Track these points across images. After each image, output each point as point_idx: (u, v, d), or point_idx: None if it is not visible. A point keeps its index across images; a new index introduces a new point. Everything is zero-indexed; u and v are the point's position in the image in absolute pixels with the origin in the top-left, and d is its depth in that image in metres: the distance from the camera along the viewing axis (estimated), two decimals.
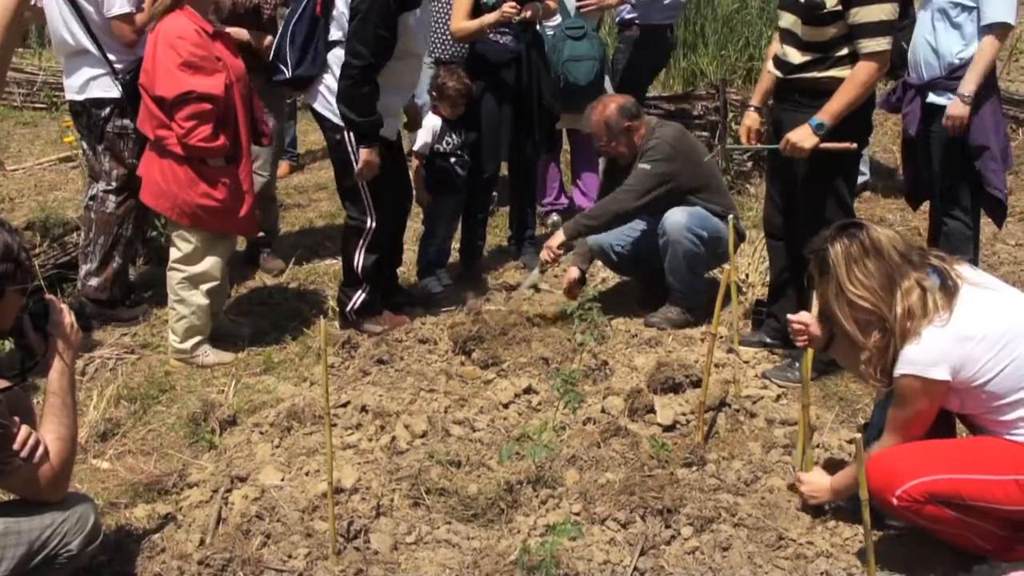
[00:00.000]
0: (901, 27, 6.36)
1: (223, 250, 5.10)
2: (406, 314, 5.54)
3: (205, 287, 5.02)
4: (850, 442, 4.12)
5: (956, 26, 5.13)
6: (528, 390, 4.60)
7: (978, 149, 5.13)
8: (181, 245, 4.99)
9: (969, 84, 5.02)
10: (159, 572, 3.36)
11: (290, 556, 3.41)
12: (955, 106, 5.03)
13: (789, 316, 3.88)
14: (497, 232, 7.03)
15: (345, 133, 4.98)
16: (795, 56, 4.51)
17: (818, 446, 4.10)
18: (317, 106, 5.10)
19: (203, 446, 4.29)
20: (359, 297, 5.31)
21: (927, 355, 3.19)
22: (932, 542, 3.39)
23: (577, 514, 3.64)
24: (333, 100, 4.94)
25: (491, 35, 5.96)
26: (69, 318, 3.09)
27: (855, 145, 4.48)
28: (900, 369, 3.24)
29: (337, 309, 5.53)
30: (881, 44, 4.29)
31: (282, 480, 3.87)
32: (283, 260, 6.49)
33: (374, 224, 5.17)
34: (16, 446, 2.83)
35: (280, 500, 3.71)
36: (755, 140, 4.99)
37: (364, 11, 4.76)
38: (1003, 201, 5.25)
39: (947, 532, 3.31)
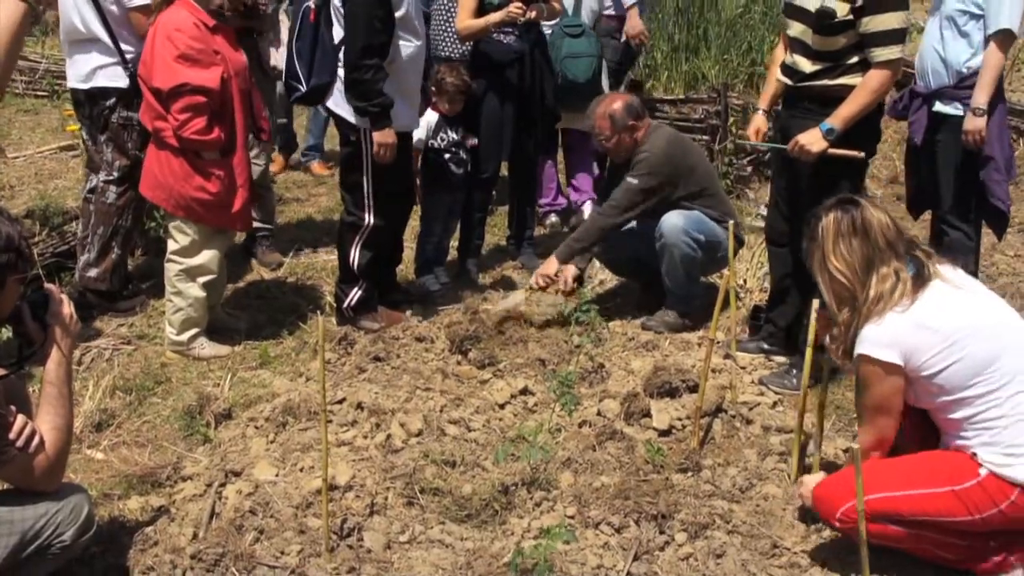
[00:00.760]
0: None
1: (221, 243, 5.10)
2: (403, 311, 5.53)
3: (202, 280, 5.01)
4: (846, 451, 4.11)
5: (964, 35, 5.12)
6: (524, 391, 4.59)
7: (983, 160, 5.12)
8: (178, 237, 4.98)
9: (981, 95, 5.00)
10: (151, 565, 3.34)
11: (283, 552, 3.40)
12: (970, 120, 5.02)
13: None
14: (496, 231, 7.02)
15: (361, 133, 4.98)
16: (805, 65, 4.50)
17: (813, 455, 4.09)
18: (332, 105, 5.09)
19: (198, 439, 4.28)
20: (356, 294, 5.30)
21: (881, 336, 3.27)
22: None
23: (571, 517, 3.64)
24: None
25: (495, 34, 5.95)
26: (68, 308, 3.08)
27: (863, 153, 4.48)
28: (858, 348, 3.32)
29: (334, 305, 5.52)
30: (894, 52, 4.30)
31: (276, 476, 3.86)
32: (281, 254, 6.49)
33: (371, 221, 5.16)
34: (12, 435, 2.82)
35: (274, 496, 3.70)
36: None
37: None
38: (1006, 212, 5.26)
39: (907, 548, 3.35)
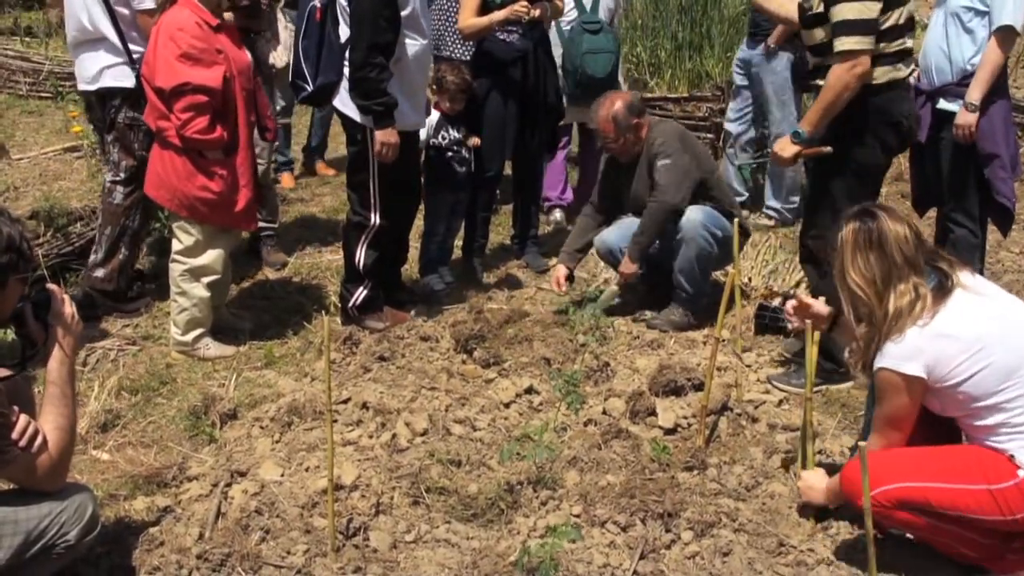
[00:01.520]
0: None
1: (225, 243, 5.09)
2: (408, 311, 5.52)
3: (207, 280, 5.01)
4: (852, 449, 4.10)
5: (968, 31, 5.09)
6: (529, 390, 4.58)
7: (987, 157, 5.10)
8: (183, 237, 4.98)
9: (975, 91, 4.99)
10: (157, 565, 3.34)
11: (289, 552, 3.40)
12: (962, 114, 5.01)
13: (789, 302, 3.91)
14: (500, 230, 7.01)
15: (367, 133, 4.97)
16: (810, 61, 4.49)
17: (819, 452, 4.08)
18: (338, 104, 5.08)
19: (203, 439, 4.28)
20: (361, 293, 5.29)
21: (904, 350, 3.22)
22: (934, 550, 3.38)
23: (577, 516, 3.63)
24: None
25: (499, 33, 5.94)
26: (70, 308, 3.08)
27: (829, 149, 4.39)
28: (878, 363, 3.28)
29: (339, 304, 5.51)
30: (847, 43, 4.15)
31: (282, 476, 3.86)
32: (286, 254, 6.49)
33: (377, 221, 5.15)
34: (15, 435, 2.82)
35: (280, 496, 3.70)
36: None
37: None
38: (1011, 210, 5.24)
39: (927, 538, 3.32)
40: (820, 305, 3.81)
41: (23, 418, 2.85)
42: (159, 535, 3.51)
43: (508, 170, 6.65)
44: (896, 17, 4.23)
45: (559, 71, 6.53)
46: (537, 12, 5.85)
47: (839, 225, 3.44)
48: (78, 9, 5.25)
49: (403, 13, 4.93)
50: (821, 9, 4.24)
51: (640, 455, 4.03)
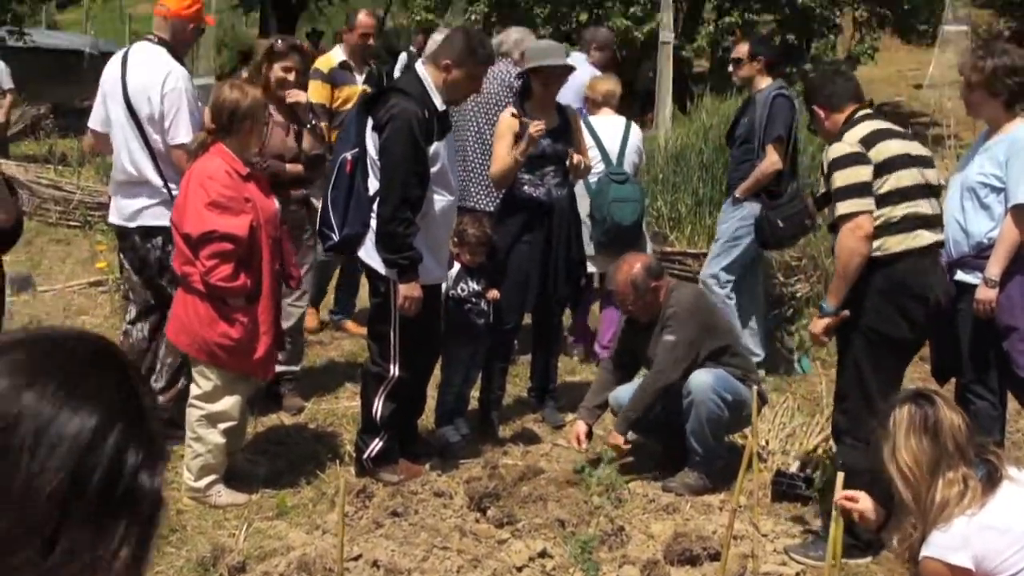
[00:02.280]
0: (776, 205, 6.55)
1: (243, 390, 5.11)
2: (423, 464, 5.49)
3: (223, 426, 5.01)
4: None
5: (985, 207, 5.13)
6: (543, 554, 4.51)
7: (1006, 329, 5.09)
8: (201, 383, 5.00)
9: (994, 267, 5.01)
10: None
11: None
12: (982, 290, 5.03)
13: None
14: (517, 381, 7.00)
15: (391, 285, 5.03)
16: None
17: None
18: (363, 255, 5.16)
19: None
20: (377, 445, 5.27)
21: (951, 540, 3.16)
22: None
23: None
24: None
25: (526, 187, 6.02)
26: None
27: (847, 312, 4.50)
28: (924, 551, 3.21)
29: (354, 455, 5.48)
30: (845, 207, 4.39)
31: None
32: (303, 398, 6.48)
33: (396, 373, 5.17)
34: None
35: None
36: None
37: (390, 147, 4.88)
38: None
39: None
40: (867, 503, 3.75)
41: None
42: None
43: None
44: (894, 181, 4.38)
45: (587, 220, 6.65)
46: (541, 126, 5.70)
47: (890, 403, 3.43)
48: (120, 149, 5.39)
49: (432, 169, 5.04)
50: (824, 189, 4.40)
51: None
